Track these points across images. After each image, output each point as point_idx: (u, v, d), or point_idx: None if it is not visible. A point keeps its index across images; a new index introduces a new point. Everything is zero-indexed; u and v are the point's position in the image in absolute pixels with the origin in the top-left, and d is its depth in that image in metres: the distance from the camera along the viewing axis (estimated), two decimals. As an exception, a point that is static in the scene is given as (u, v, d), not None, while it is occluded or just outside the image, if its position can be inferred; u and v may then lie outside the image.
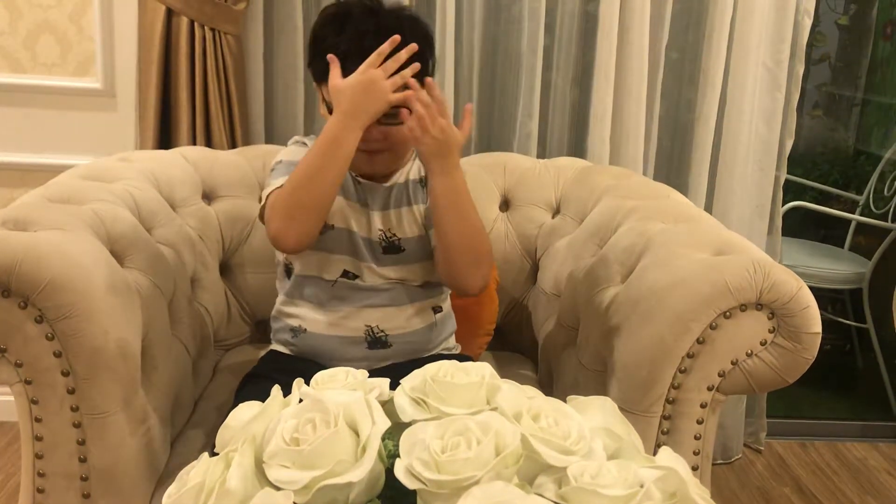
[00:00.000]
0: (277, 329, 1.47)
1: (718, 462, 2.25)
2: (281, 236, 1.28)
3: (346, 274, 1.38)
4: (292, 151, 1.39)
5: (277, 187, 1.29)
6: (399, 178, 1.41)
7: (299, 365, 1.37)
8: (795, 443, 2.40)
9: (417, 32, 1.29)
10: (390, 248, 1.38)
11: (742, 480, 2.19)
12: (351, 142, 1.24)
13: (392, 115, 1.28)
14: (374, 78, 1.22)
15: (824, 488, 2.17)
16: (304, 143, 1.41)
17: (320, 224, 1.30)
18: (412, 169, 1.42)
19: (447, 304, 1.49)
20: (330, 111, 1.28)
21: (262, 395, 0.76)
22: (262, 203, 1.33)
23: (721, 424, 2.16)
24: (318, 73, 1.31)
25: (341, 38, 1.27)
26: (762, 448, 2.34)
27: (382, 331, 1.37)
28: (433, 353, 1.45)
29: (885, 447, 2.41)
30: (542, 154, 2.07)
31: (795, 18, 2.02)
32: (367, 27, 1.26)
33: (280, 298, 1.46)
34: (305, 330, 1.39)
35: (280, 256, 1.44)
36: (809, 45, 2.06)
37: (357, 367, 0.81)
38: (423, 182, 1.41)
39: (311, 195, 1.26)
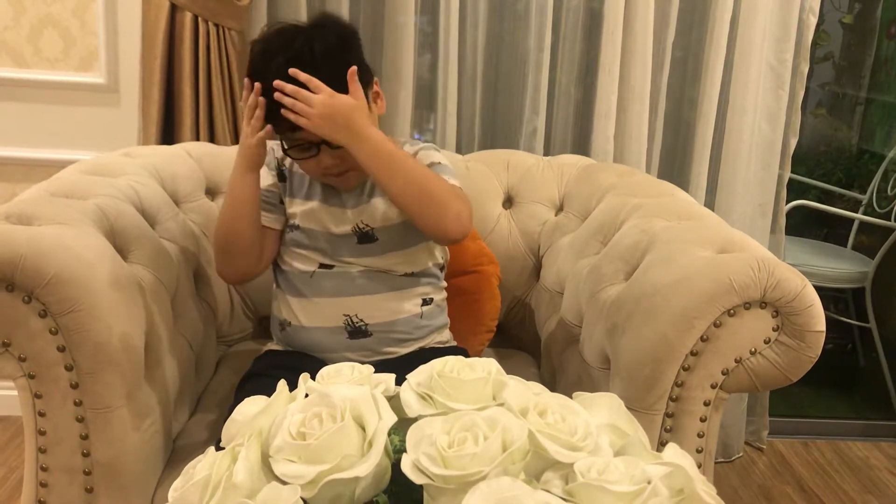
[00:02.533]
0: (271, 325, 1.48)
1: (720, 461, 2.25)
2: (220, 272, 1.43)
3: (322, 265, 1.40)
4: None
5: None
6: None
7: (292, 360, 1.37)
8: (797, 441, 2.40)
9: (329, 68, 1.26)
10: (364, 238, 1.39)
11: (743, 479, 2.19)
12: (243, 185, 1.34)
13: (327, 142, 1.29)
14: (241, 137, 1.34)
15: (826, 487, 2.17)
16: (272, 149, 1.43)
17: (253, 260, 1.39)
18: None
19: (439, 297, 1.48)
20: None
21: (261, 394, 0.75)
22: None
23: (722, 423, 2.15)
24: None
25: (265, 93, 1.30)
26: (764, 447, 2.34)
27: (361, 319, 1.37)
28: (423, 346, 1.44)
29: (887, 446, 2.41)
30: (545, 151, 2.06)
31: (800, 17, 2.01)
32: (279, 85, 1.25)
33: (272, 294, 1.47)
34: (290, 323, 1.41)
35: None
36: (814, 43, 2.06)
37: (344, 360, 0.81)
38: None
39: (231, 239, 1.36)
